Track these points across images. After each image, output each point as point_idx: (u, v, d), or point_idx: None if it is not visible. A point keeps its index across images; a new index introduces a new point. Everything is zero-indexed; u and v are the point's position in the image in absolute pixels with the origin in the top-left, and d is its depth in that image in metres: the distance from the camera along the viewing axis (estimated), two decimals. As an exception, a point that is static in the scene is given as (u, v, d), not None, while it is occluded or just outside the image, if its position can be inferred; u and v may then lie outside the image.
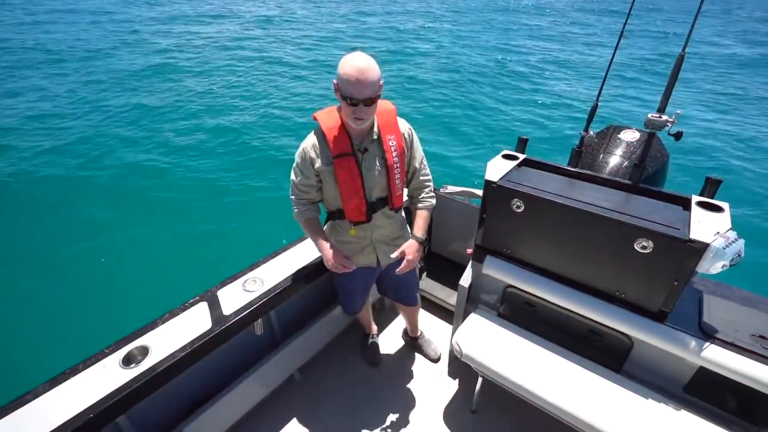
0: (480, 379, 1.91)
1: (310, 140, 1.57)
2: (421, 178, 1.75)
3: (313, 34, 16.86)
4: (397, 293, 2.11)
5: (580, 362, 1.73)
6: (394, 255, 1.68)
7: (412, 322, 2.34)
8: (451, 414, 2.05)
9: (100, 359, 1.47)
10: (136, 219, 5.56)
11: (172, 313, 1.68)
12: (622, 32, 1.87)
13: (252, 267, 1.98)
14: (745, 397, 1.49)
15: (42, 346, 3.65)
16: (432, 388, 2.20)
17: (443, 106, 9.72)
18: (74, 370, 1.42)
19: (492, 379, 1.78)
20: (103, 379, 1.39)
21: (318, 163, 1.54)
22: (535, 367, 1.72)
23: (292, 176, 1.63)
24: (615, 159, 2.07)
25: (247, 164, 7.10)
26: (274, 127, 8.57)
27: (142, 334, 1.58)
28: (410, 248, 1.69)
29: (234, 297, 1.77)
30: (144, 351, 1.50)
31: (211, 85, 10.86)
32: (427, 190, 1.77)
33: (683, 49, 1.50)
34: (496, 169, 1.82)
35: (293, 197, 1.66)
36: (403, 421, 2.02)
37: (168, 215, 5.67)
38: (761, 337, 1.46)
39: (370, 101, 1.38)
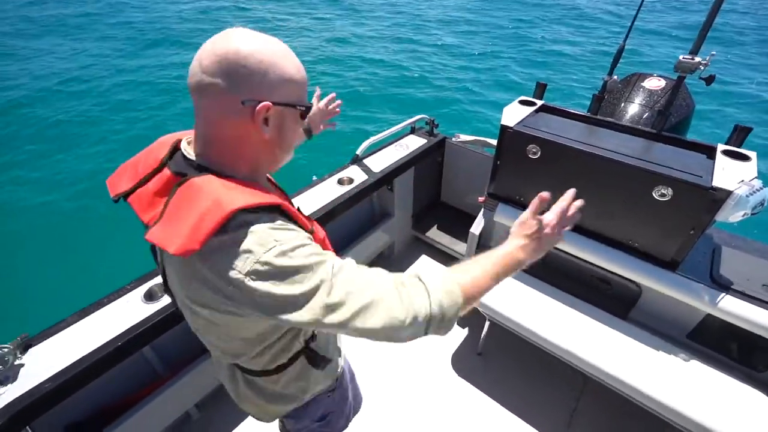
0: (487, 323, 1.97)
1: None
2: None
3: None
4: None
5: (587, 309, 1.77)
6: None
7: None
8: (457, 356, 2.13)
9: (123, 294, 1.53)
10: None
11: None
12: None
13: None
14: (747, 344, 1.53)
15: (67, 284, 3.81)
16: None
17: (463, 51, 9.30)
18: (99, 304, 1.49)
19: (498, 321, 1.83)
20: (128, 312, 1.46)
21: None
22: (542, 312, 1.76)
23: None
24: (637, 108, 1.98)
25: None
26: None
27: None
28: None
29: None
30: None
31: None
32: None
33: None
34: (513, 114, 1.77)
35: None
36: (411, 362, 2.12)
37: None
38: None
39: None
